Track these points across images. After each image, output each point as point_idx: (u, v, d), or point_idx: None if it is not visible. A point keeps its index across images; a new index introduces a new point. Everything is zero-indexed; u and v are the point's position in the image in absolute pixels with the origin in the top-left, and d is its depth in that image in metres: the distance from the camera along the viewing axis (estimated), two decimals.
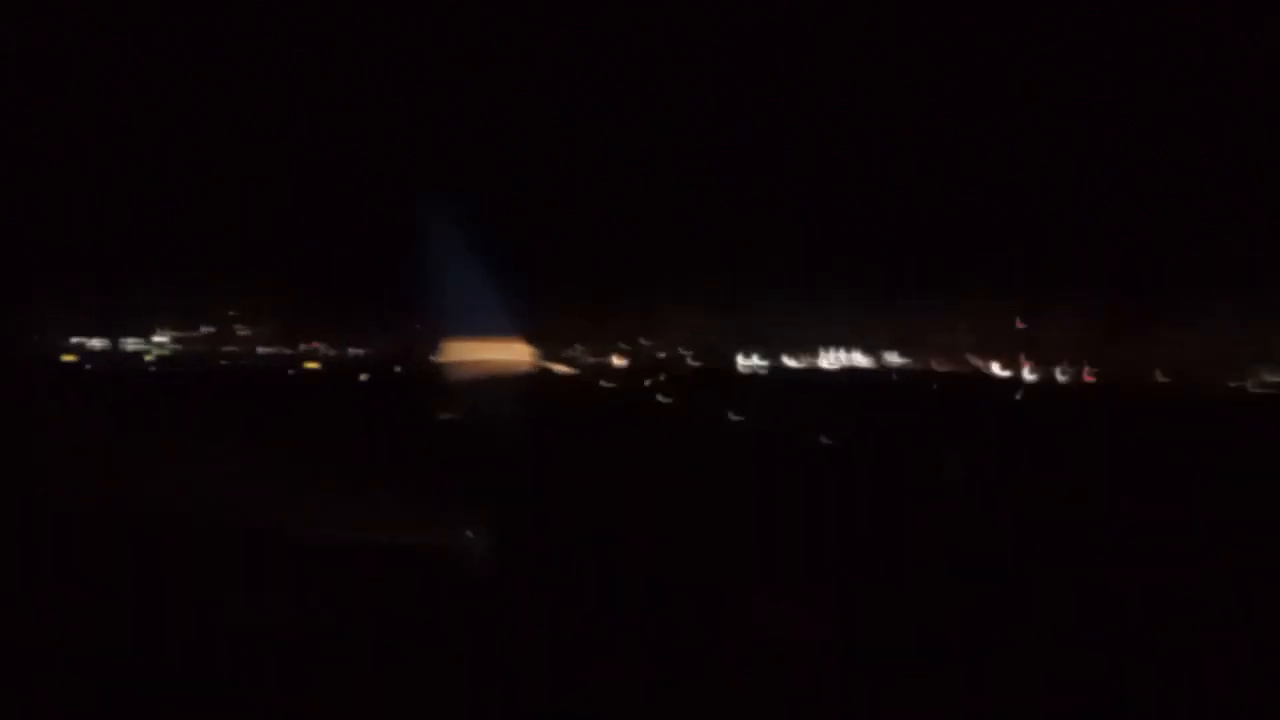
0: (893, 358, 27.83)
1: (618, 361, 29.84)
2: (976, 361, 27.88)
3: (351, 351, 34.10)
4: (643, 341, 30.33)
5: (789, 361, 30.71)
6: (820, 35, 23.52)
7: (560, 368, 26.16)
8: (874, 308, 26.73)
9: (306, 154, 23.76)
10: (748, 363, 32.09)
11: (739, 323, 30.63)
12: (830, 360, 30.69)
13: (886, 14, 22.81)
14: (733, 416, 19.16)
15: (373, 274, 24.55)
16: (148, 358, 26.94)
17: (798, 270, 26.91)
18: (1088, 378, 28.30)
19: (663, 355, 32.27)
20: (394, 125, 24.07)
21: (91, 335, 27.05)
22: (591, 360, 29.73)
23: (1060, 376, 27.76)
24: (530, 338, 24.04)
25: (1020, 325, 28.81)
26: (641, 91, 23.59)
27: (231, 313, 28.62)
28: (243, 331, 31.67)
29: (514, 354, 22.94)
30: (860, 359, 28.69)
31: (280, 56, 21.84)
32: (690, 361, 32.93)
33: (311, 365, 28.71)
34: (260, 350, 32.32)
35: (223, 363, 29.33)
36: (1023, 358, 28.49)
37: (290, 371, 28.48)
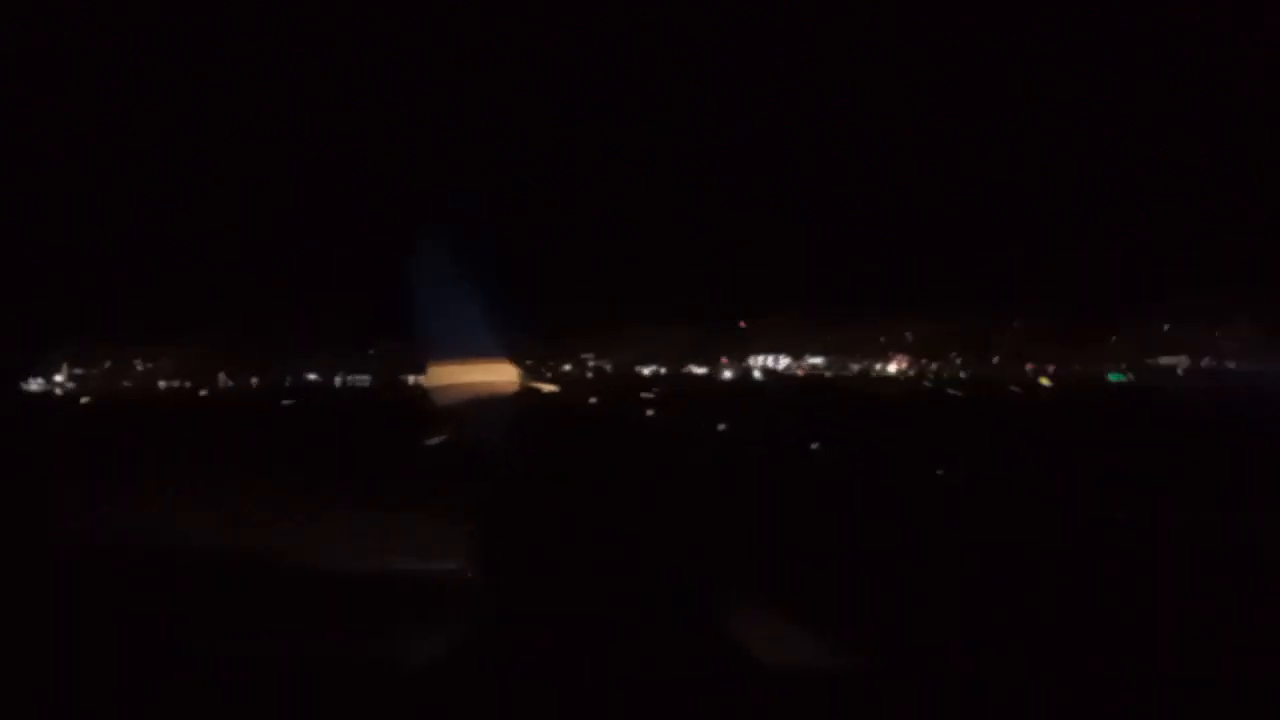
0: (816, 360, 31.68)
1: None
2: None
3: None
4: (584, 357, 32.29)
5: (693, 369, 34.24)
6: (770, 82, 26.23)
7: (546, 386, 27.29)
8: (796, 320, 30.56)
9: (288, 172, 23.37)
10: (647, 370, 35.49)
11: (659, 338, 33.28)
12: (732, 368, 34.62)
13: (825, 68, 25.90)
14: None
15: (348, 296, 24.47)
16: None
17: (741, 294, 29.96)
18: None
19: (568, 368, 34.94)
20: (382, 148, 24.21)
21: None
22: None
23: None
24: (516, 358, 24.96)
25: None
26: (627, 122, 25.23)
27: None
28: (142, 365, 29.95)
29: (501, 374, 23.77)
30: (781, 363, 32.41)
31: (262, 78, 21.64)
32: (588, 372, 35.94)
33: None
34: (161, 385, 30.65)
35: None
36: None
37: None
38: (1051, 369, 30.48)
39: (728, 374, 33.45)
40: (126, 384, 29.58)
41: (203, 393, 30.92)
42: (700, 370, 35.37)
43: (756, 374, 32.98)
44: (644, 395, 23.78)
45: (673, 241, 28.20)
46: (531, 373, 26.99)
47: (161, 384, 30.32)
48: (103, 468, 13.03)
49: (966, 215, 31.40)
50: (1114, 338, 30.95)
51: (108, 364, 27.67)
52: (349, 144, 24.65)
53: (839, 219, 31.00)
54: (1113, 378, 29.99)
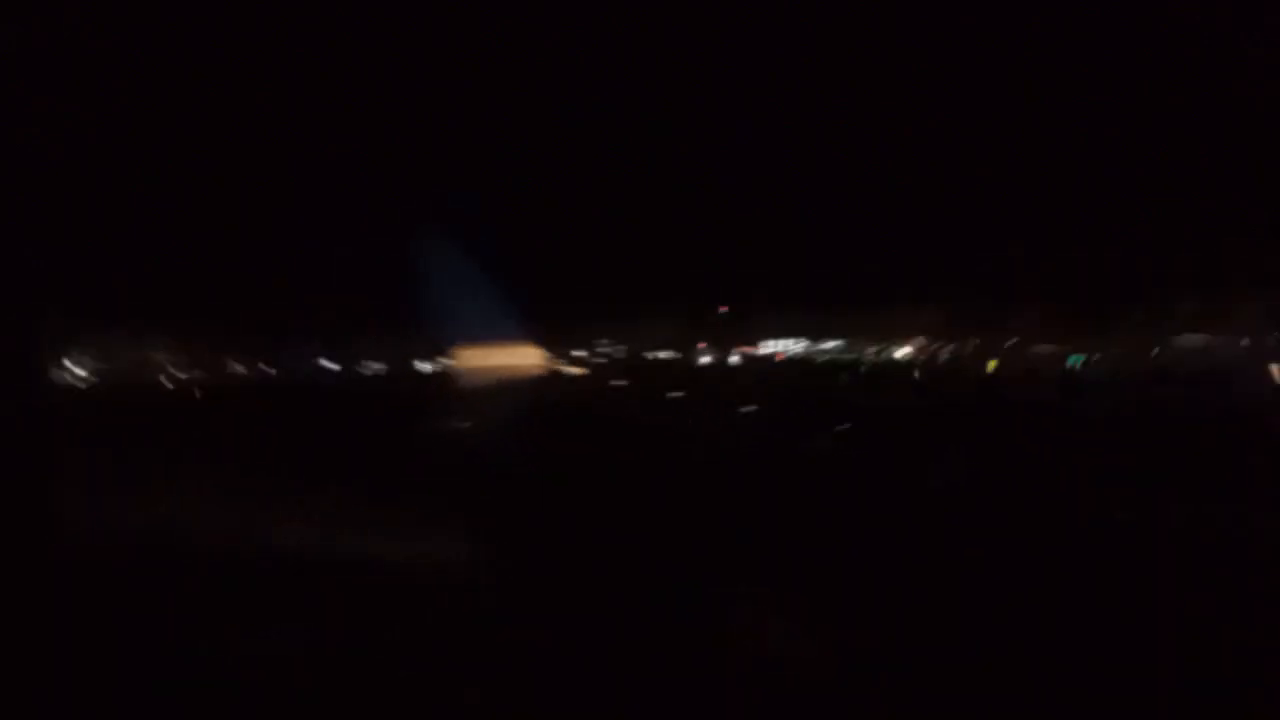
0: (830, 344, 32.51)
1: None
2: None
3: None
4: (596, 343, 32.89)
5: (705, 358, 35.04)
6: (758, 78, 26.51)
7: (573, 370, 27.54)
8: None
9: (296, 161, 23.39)
10: (658, 355, 36.19)
11: (669, 327, 33.83)
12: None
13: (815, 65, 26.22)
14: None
15: (374, 285, 24.59)
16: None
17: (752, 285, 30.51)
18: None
19: (582, 353, 35.48)
20: (396, 134, 24.30)
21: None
22: None
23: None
24: (539, 342, 25.25)
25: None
26: (638, 101, 25.37)
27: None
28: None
29: (526, 358, 24.10)
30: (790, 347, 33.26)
31: (274, 60, 21.72)
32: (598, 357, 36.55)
33: None
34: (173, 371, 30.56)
35: None
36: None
37: None
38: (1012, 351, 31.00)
39: (704, 359, 34.57)
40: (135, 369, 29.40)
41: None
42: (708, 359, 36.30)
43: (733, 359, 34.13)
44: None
45: (685, 236, 28.60)
46: (554, 356, 27.20)
47: (172, 370, 30.21)
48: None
49: (967, 213, 32.03)
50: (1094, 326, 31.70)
51: (117, 349, 27.54)
52: (362, 138, 24.79)
53: (840, 218, 31.62)
54: (1071, 361, 30.71)
